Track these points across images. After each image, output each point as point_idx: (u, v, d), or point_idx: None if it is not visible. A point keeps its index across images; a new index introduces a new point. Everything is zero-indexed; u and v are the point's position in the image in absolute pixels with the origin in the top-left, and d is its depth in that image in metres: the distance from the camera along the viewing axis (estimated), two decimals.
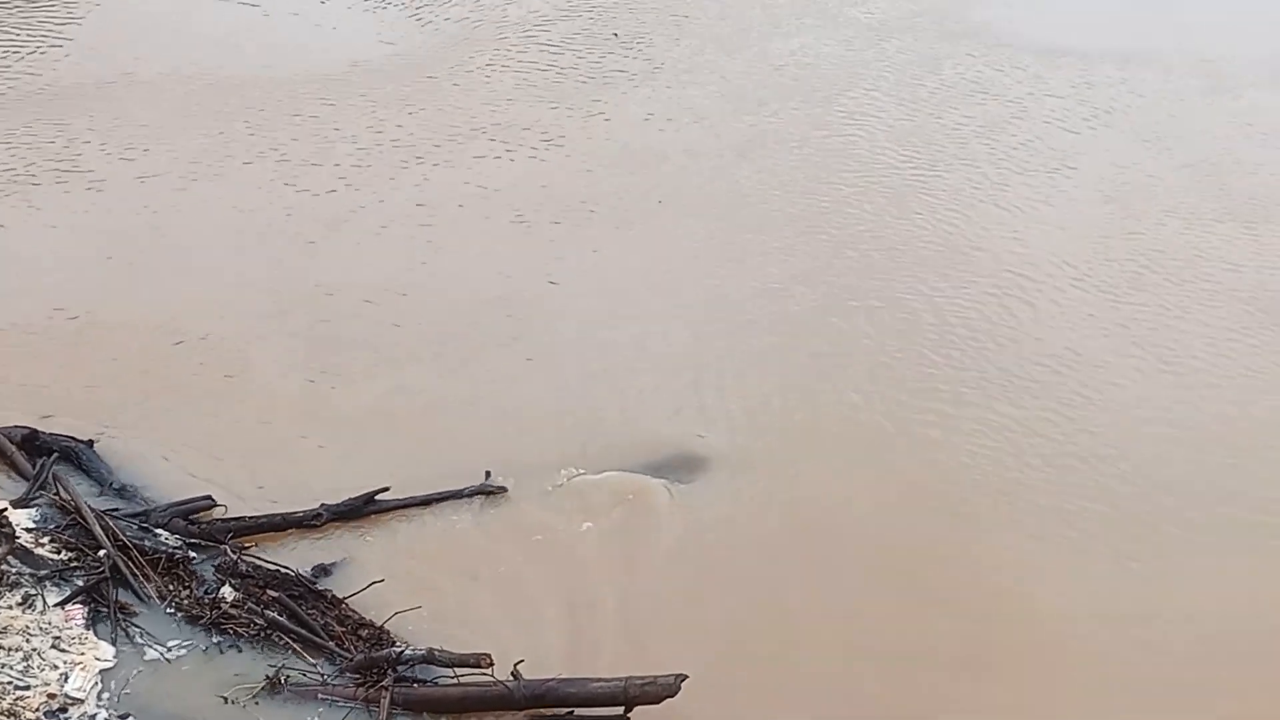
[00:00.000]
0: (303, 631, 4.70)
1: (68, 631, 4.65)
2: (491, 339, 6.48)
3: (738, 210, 7.68)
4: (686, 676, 4.41)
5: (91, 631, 4.67)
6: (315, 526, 5.30)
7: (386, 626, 4.76)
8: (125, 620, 4.73)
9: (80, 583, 4.82)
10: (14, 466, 5.48)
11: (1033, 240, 7.25)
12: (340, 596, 4.92)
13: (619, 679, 4.47)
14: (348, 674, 4.56)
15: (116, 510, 5.28)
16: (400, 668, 4.52)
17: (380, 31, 9.83)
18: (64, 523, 5.12)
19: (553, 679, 4.49)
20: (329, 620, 4.79)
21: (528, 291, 6.82)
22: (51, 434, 5.63)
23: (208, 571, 5.00)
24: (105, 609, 4.75)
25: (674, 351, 6.39)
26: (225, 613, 4.75)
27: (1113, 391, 6.04)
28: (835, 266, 7.10)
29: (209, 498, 5.39)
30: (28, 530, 5.06)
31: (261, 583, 4.90)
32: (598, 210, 7.57)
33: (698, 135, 8.49)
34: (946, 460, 5.69)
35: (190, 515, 5.32)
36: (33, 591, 4.76)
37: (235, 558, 4.98)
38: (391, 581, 4.91)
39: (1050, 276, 6.86)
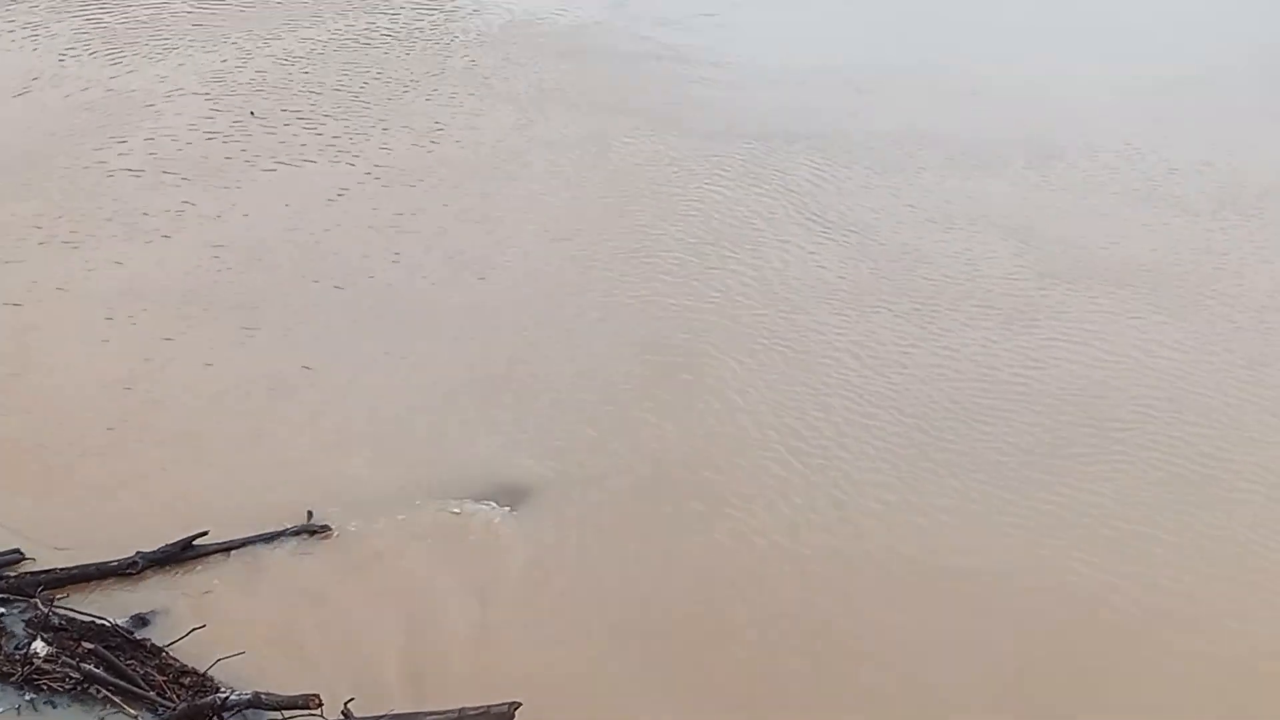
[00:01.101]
0: (121, 683, 4.53)
1: None
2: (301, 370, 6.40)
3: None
4: (520, 704, 4.40)
5: None
6: (132, 575, 5.14)
7: (210, 673, 4.61)
8: None
9: None
10: None
11: None
12: (160, 645, 4.76)
13: (453, 710, 4.44)
14: None
15: None
16: (226, 714, 4.39)
17: None
18: None
19: (386, 715, 4.44)
20: (149, 670, 4.63)
21: None
22: None
23: (17, 627, 4.79)
24: None
25: (493, 378, 6.35)
26: (38, 668, 4.55)
27: None
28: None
29: (17, 551, 5.17)
30: None
31: (76, 635, 4.72)
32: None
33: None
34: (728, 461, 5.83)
35: None
36: None
37: (46, 611, 4.78)
38: (214, 627, 4.79)
39: None
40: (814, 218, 7.52)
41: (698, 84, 9.13)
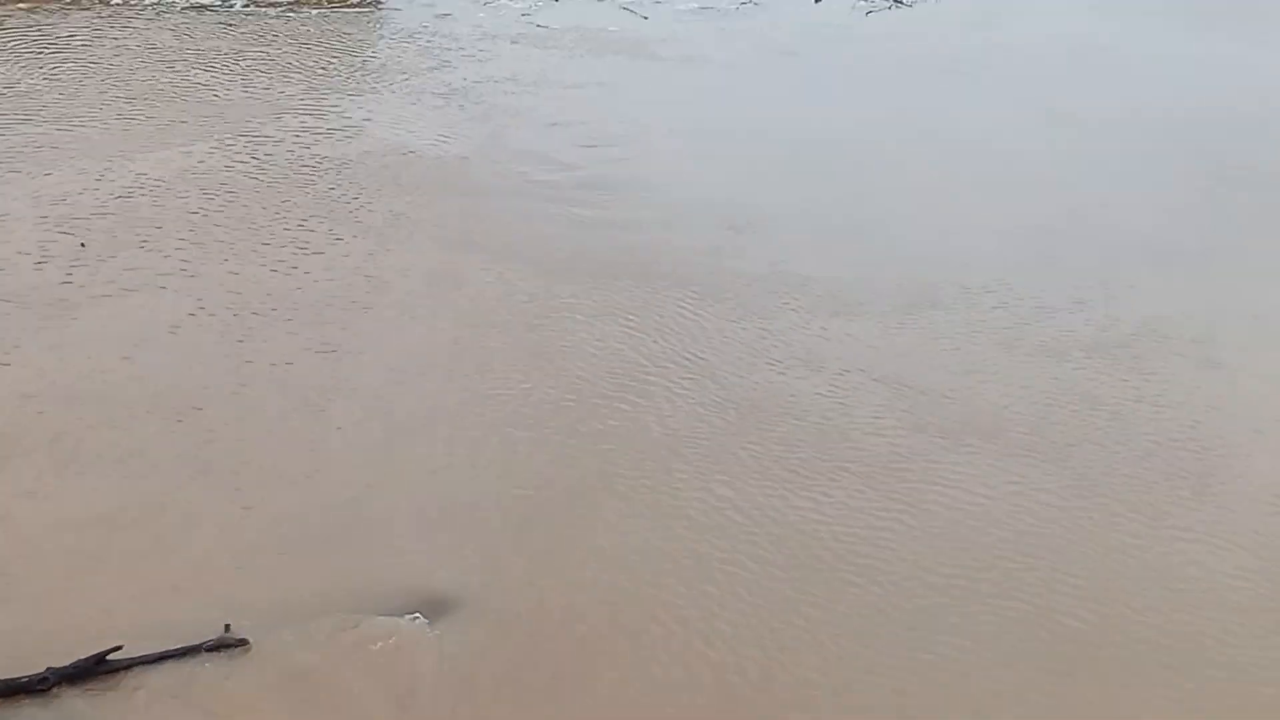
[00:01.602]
0: None
1: None
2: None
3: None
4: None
5: None
6: (43, 691, 4.80)
7: None
8: None
9: None
10: None
11: None
12: None
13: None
14: None
15: None
16: None
17: None
18: None
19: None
20: None
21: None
22: None
23: None
24: None
25: (408, 487, 5.93)
26: None
27: None
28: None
29: None
30: None
31: None
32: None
33: None
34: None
35: None
36: None
37: None
38: None
39: None
40: (680, 360, 7.19)
41: (568, 220, 8.79)
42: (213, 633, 5.06)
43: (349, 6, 13.07)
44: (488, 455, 6.20)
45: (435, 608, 5.32)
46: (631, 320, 7.48)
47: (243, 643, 5.08)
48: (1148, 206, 9.62)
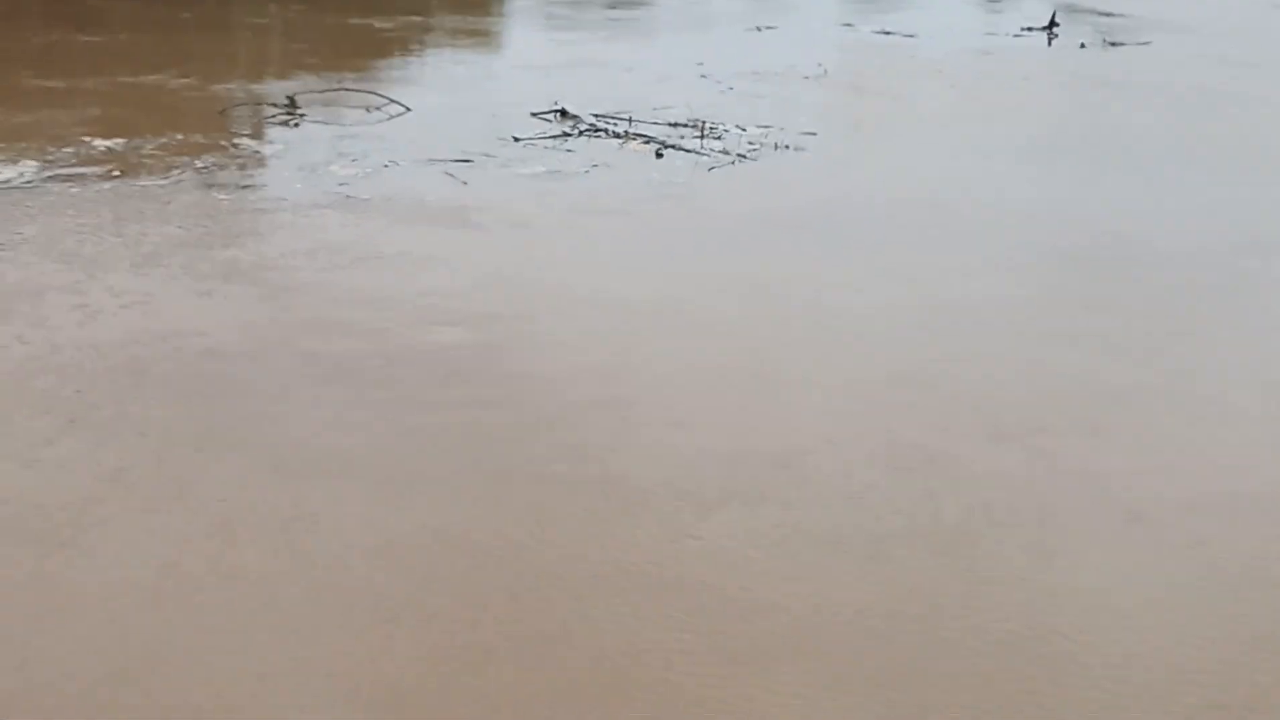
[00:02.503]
0: None
1: None
2: None
3: None
4: None
5: None
6: None
7: None
8: None
9: None
10: None
11: None
12: None
13: None
14: None
15: None
16: None
17: None
18: None
19: None
20: None
21: None
22: None
23: None
24: None
25: None
26: None
27: None
28: None
29: None
30: None
31: None
32: None
33: None
34: None
35: None
36: None
37: None
38: None
39: None
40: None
41: (366, 411, 7.79)
42: None
43: (153, 177, 12.13)
44: None
45: None
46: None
47: None
48: (980, 373, 8.91)
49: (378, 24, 22.41)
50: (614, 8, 25.70)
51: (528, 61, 19.61)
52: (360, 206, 11.59)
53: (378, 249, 10.53)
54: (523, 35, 22.50)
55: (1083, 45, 22.59)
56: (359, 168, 12.89)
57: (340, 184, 12.27)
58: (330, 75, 17.21)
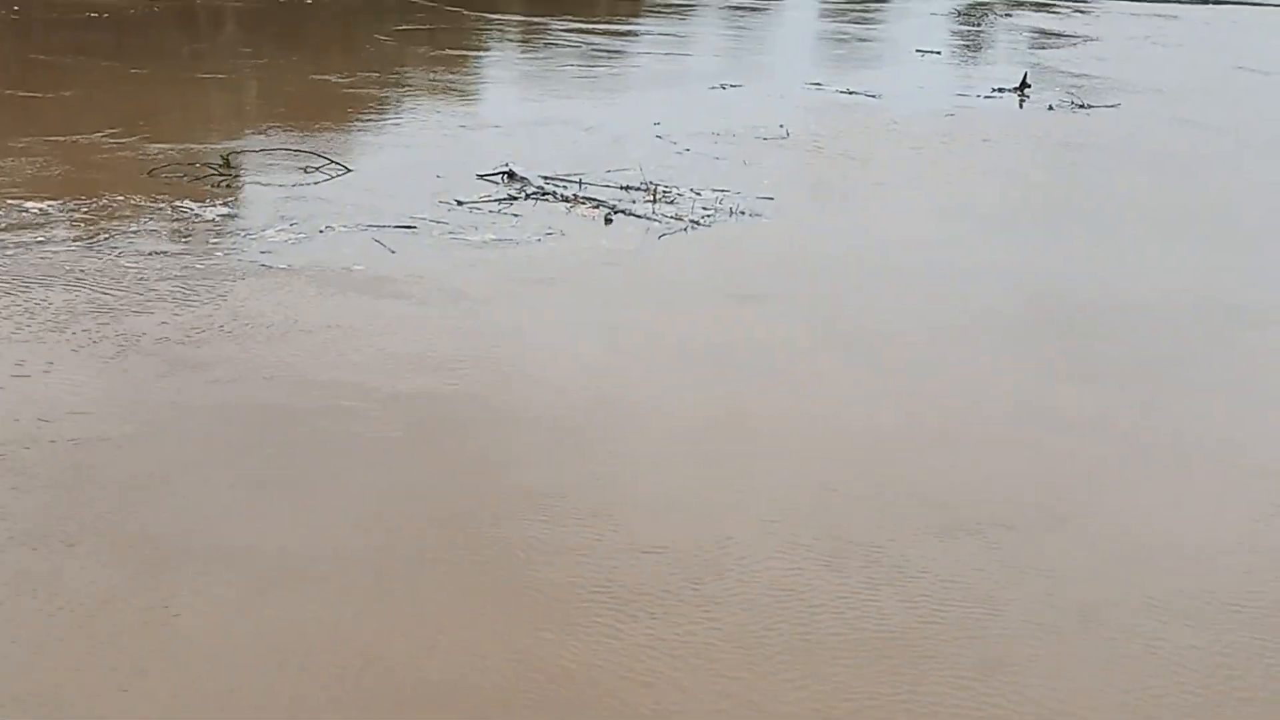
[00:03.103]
0: None
1: None
2: None
3: None
4: None
5: None
6: None
7: None
8: None
9: None
10: None
11: None
12: None
13: None
14: None
15: None
16: None
17: None
18: None
19: None
20: None
21: None
22: None
23: None
24: None
25: None
26: None
27: None
28: None
29: None
30: None
31: None
32: None
33: None
34: None
35: None
36: None
37: None
38: None
39: None
40: None
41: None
42: None
43: (67, 241, 11.53)
44: None
45: None
46: None
47: None
48: (933, 452, 8.34)
49: (336, 80, 22.00)
50: (590, 64, 25.40)
51: (486, 120, 19.15)
52: (282, 276, 10.98)
53: (296, 322, 9.91)
54: (486, 93, 22.04)
55: (1050, 108, 22.27)
56: (288, 234, 12.31)
57: (264, 251, 11.67)
58: (280, 133, 16.71)
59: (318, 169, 14.84)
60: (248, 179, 14.34)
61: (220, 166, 14.28)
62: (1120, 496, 8.00)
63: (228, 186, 13.85)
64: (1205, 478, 8.32)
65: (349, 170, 14.88)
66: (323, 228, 12.47)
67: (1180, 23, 42.69)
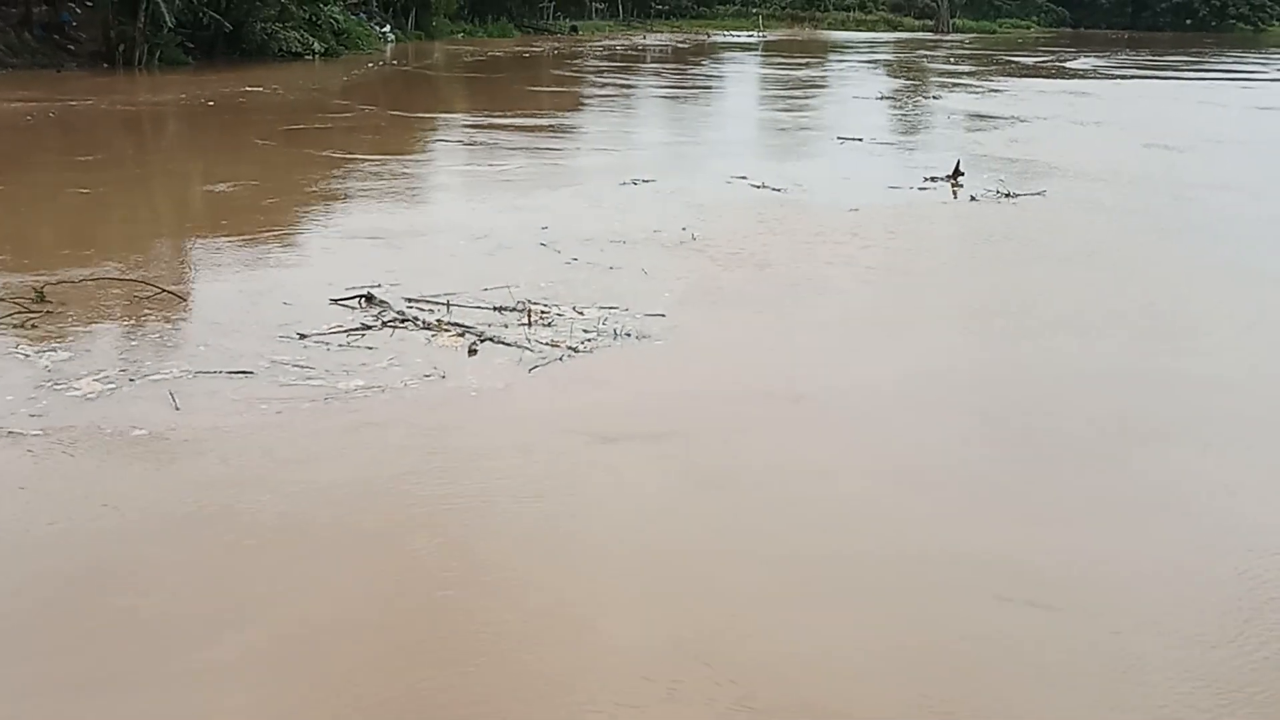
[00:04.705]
0: None
1: None
2: None
3: None
4: None
5: None
6: None
7: None
8: None
9: None
10: None
11: None
12: None
13: None
14: None
15: None
16: None
17: None
18: None
19: None
20: None
21: None
22: None
23: None
24: None
25: None
26: None
27: None
28: None
29: None
30: None
31: None
32: None
33: None
34: None
35: None
36: None
37: None
38: None
39: None
40: None
41: None
42: None
43: None
44: None
45: None
46: None
47: None
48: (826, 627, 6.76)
49: (222, 189, 20.52)
50: (499, 161, 24.18)
51: (362, 229, 17.60)
52: (34, 441, 9.22)
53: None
54: (372, 198, 20.49)
55: (973, 198, 21.16)
56: (88, 383, 10.59)
57: (33, 415, 9.89)
58: (120, 256, 15.07)
59: (148, 298, 13.16)
60: (64, 313, 12.59)
61: (32, 300, 12.55)
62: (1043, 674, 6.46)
63: (33, 326, 12.10)
64: (1144, 645, 6.80)
65: (181, 299, 13.21)
66: (134, 377, 10.77)
67: (1092, 100, 42.44)
